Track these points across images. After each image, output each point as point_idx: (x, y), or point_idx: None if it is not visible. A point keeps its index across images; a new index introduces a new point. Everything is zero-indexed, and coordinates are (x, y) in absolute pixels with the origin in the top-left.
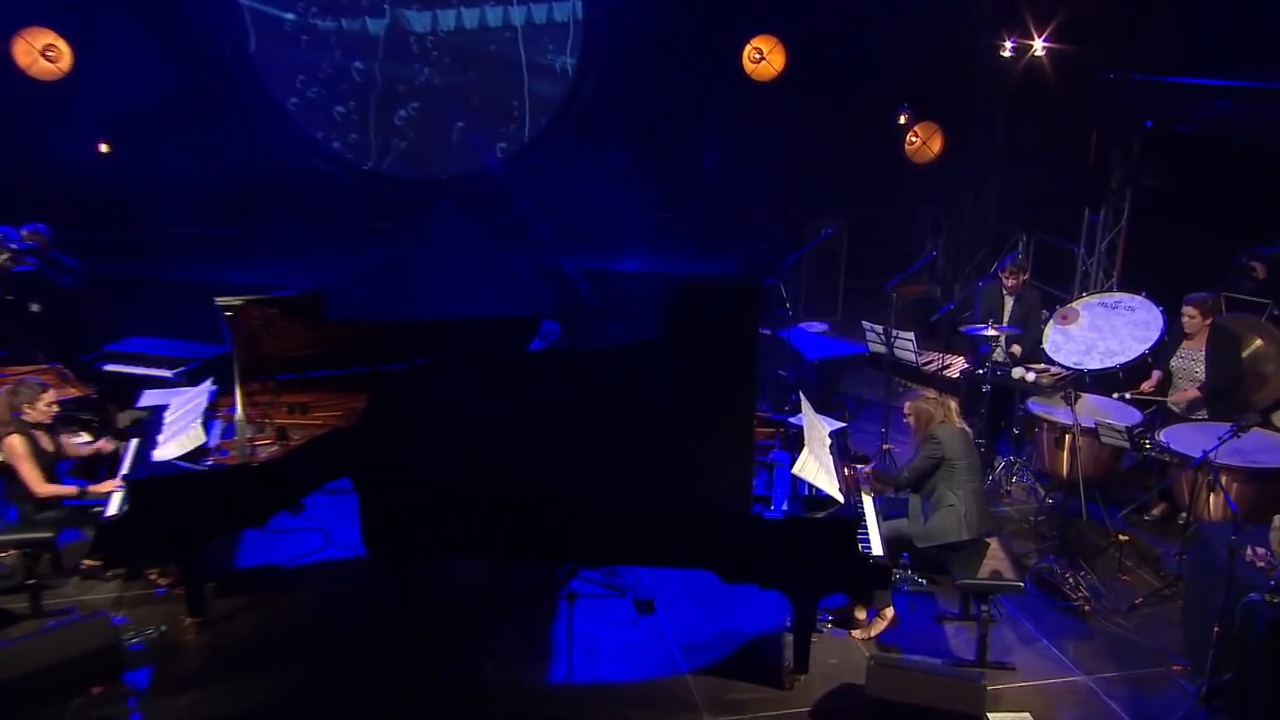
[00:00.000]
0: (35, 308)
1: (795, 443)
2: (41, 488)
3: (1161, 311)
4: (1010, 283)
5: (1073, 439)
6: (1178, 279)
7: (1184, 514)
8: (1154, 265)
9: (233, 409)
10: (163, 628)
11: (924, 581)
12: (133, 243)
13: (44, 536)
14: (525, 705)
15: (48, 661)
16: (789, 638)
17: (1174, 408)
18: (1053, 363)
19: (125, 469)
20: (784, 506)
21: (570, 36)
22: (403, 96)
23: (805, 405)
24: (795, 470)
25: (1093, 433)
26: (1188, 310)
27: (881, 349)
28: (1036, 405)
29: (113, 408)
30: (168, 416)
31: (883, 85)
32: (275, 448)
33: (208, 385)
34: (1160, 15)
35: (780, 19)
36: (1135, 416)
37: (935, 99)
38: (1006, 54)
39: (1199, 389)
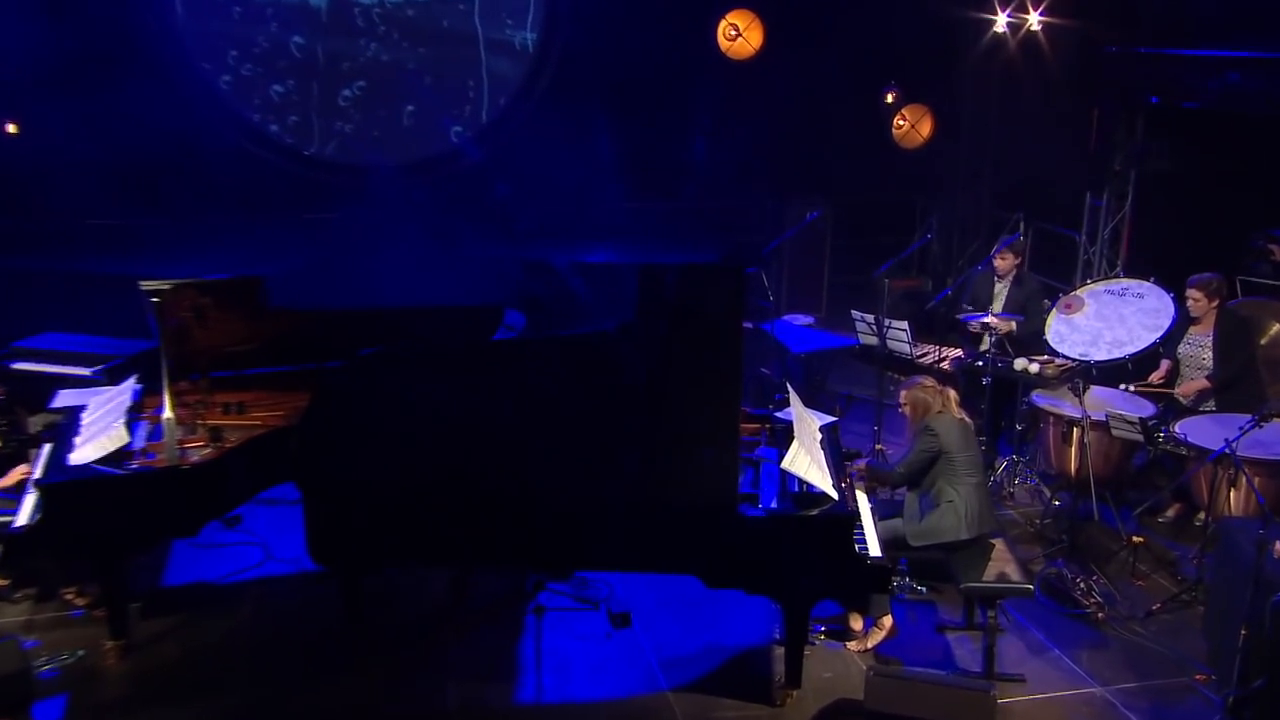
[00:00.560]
0: None
1: (782, 439)
2: None
3: (1173, 298)
4: (1002, 265)
5: (1081, 433)
6: (1187, 266)
7: (1202, 514)
8: (1161, 252)
9: (160, 409)
10: (80, 653)
11: (924, 589)
12: (46, 233)
13: None
14: None
15: None
16: (778, 650)
17: (1181, 400)
18: (1056, 354)
19: (37, 473)
20: (773, 504)
21: (530, 10)
22: (347, 75)
23: (793, 398)
24: (785, 464)
25: (1103, 426)
26: (1191, 293)
27: (873, 340)
28: (1041, 398)
29: (22, 410)
30: (85, 418)
31: (868, 65)
32: (208, 450)
33: (131, 383)
34: None
35: None
36: (1148, 409)
37: (924, 79)
38: (1000, 29)
39: (1207, 378)
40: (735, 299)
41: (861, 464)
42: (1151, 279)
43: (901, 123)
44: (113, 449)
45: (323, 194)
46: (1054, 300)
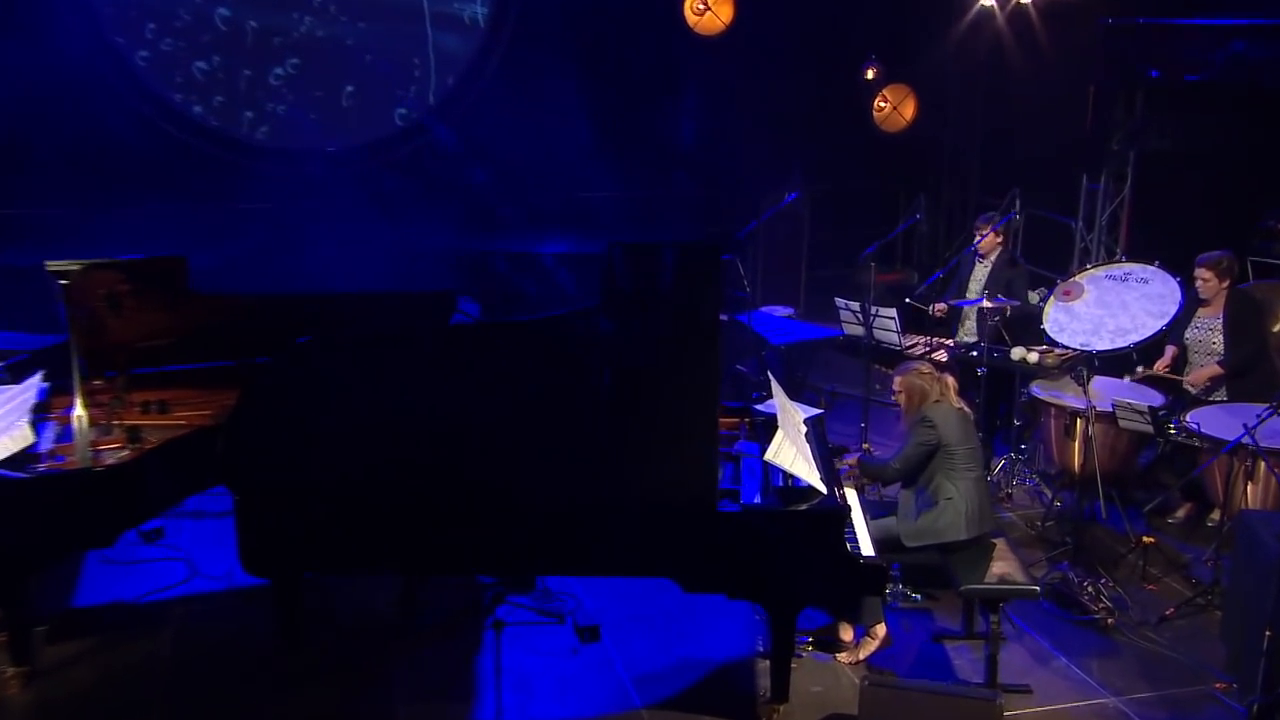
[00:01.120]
0: None
1: (763, 432)
2: None
3: (1179, 282)
4: (985, 245)
5: (1085, 425)
6: (1191, 251)
7: (1214, 514)
8: (1163, 237)
9: (70, 409)
10: None
11: (918, 597)
12: None
13: None
14: None
15: None
16: (762, 663)
17: (1190, 389)
18: (1055, 345)
19: None
20: (756, 499)
21: None
22: (280, 51)
23: (775, 388)
24: (768, 456)
25: (1109, 417)
26: (1201, 273)
27: (858, 331)
28: (1041, 390)
29: None
30: None
31: (847, 41)
32: (125, 451)
33: (36, 380)
34: None
35: None
36: (1156, 399)
37: (907, 56)
38: (988, 2)
39: (1218, 364)
40: (712, 279)
41: (851, 459)
42: (1156, 263)
43: (883, 105)
44: (16, 450)
45: (254, 182)
46: (1050, 290)
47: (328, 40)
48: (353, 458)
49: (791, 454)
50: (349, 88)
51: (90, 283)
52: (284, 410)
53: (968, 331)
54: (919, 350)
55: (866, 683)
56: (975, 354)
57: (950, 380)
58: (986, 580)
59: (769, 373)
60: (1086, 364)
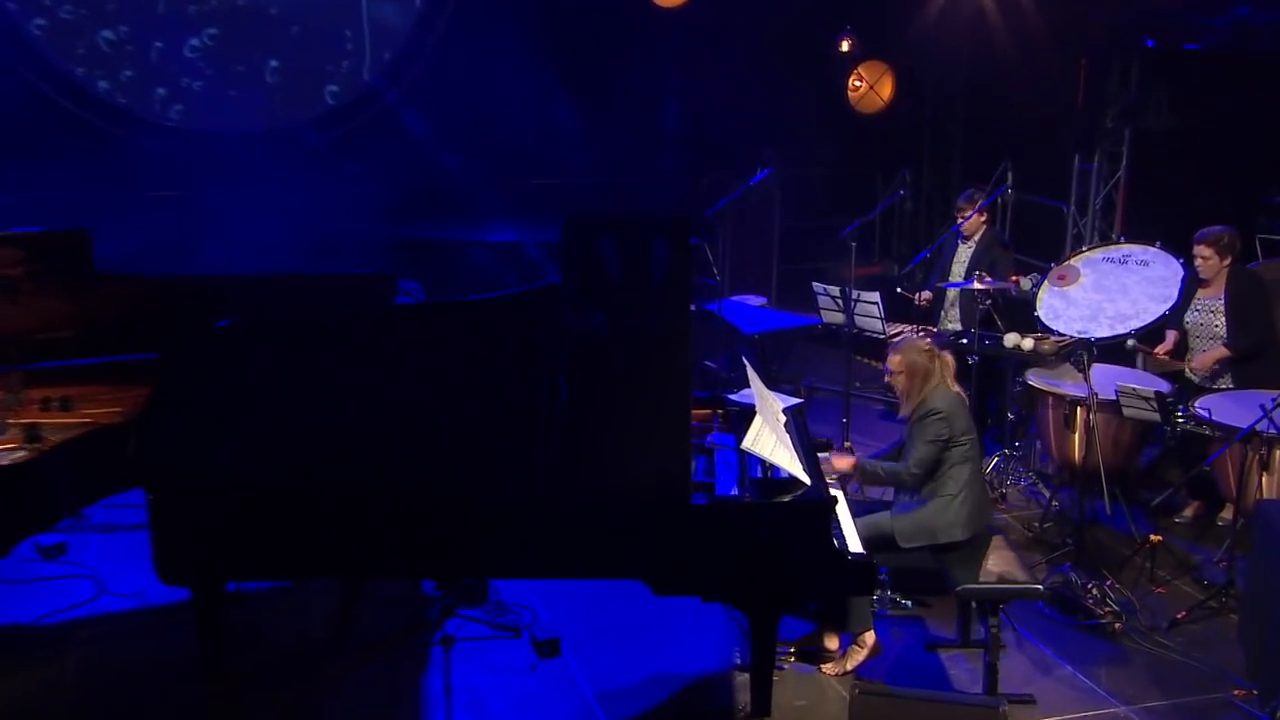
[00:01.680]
0: None
1: (738, 423)
2: None
3: (1181, 264)
4: (968, 225)
5: (1087, 415)
6: (1193, 234)
7: (1227, 509)
8: (1162, 219)
9: None
10: None
11: (909, 603)
12: None
13: None
14: None
15: None
16: (741, 677)
17: (1193, 376)
18: (1051, 333)
19: None
20: (733, 491)
21: None
22: (195, 20)
23: (752, 376)
24: (746, 445)
25: (1112, 406)
26: (1200, 250)
27: (838, 318)
28: (1038, 378)
29: None
30: None
31: (819, 14)
32: (21, 452)
33: None
34: None
35: None
36: (1162, 385)
37: (885, 31)
38: None
39: (1225, 345)
40: (681, 252)
41: (841, 459)
42: (1157, 243)
43: (858, 84)
44: None
45: (166, 166)
46: (1043, 276)
47: (249, 8)
48: (280, 450)
49: (771, 442)
50: (274, 62)
51: None
52: (203, 400)
53: (951, 319)
54: (904, 338)
55: (857, 691)
56: (965, 341)
57: (949, 359)
58: (984, 579)
59: (744, 359)
60: (1087, 349)
